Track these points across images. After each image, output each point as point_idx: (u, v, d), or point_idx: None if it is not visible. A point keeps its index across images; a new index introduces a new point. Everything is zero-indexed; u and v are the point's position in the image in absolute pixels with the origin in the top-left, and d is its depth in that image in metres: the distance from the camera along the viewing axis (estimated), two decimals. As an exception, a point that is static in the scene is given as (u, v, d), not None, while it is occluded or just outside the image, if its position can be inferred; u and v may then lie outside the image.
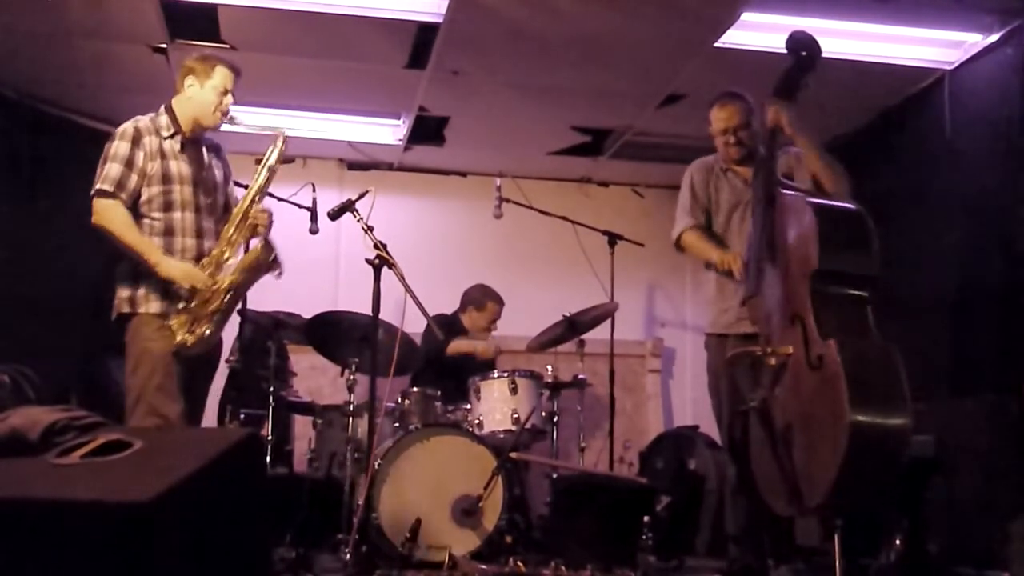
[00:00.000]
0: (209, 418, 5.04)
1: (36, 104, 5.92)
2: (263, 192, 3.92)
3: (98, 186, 3.70)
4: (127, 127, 3.79)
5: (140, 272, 3.72)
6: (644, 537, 4.38)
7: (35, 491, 2.12)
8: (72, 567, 1.99)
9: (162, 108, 3.90)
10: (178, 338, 3.69)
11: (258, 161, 3.99)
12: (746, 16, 4.87)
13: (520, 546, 4.59)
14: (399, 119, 6.46)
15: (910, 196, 5.38)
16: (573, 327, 5.56)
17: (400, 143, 6.66)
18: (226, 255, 3.83)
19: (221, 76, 3.87)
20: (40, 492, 2.12)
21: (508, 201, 5.86)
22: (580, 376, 5.54)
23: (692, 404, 7.26)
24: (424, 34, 5.14)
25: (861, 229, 3.54)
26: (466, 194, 7.23)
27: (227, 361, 5.19)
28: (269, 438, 4.91)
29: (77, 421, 2.55)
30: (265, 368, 5.11)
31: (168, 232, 3.77)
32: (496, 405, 4.96)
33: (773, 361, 3.54)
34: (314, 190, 5.09)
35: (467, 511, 4.40)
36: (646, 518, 4.43)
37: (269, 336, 5.19)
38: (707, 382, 4.36)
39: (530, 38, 5.14)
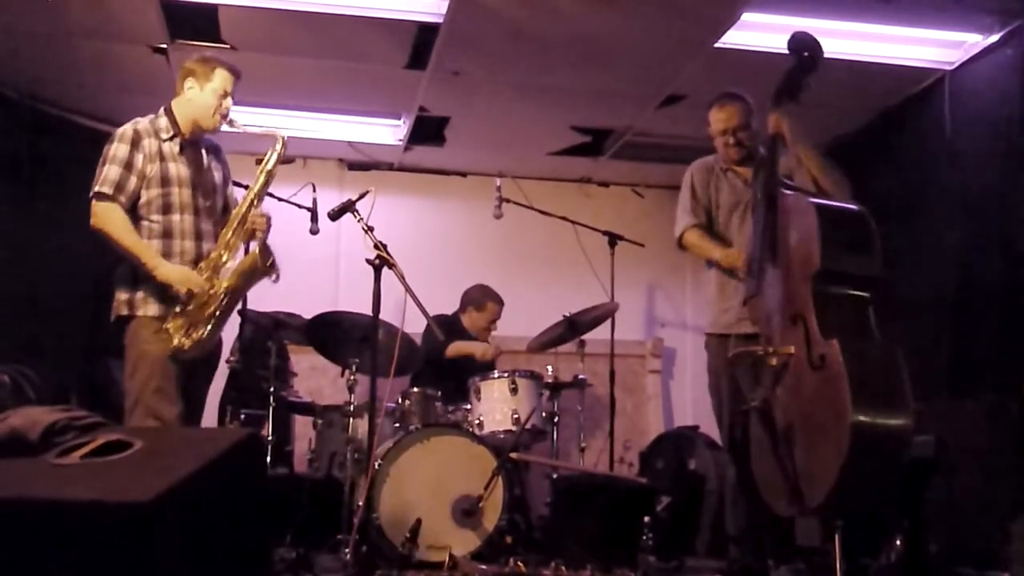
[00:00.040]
0: (209, 418, 5.04)
1: (36, 104, 5.92)
2: (261, 196, 3.92)
3: (96, 188, 3.70)
4: (126, 129, 3.79)
5: (138, 275, 3.72)
6: (644, 537, 4.38)
7: (35, 491, 2.13)
8: (72, 567, 1.99)
9: (161, 110, 3.90)
10: (175, 342, 3.69)
11: (258, 161, 3.99)
12: (746, 16, 4.87)
13: (520, 546, 4.59)
14: (399, 119, 6.46)
15: (910, 196, 5.38)
16: (573, 327, 5.56)
17: (400, 143, 6.66)
18: (224, 258, 3.83)
19: (221, 79, 3.87)
20: (40, 492, 2.12)
21: (508, 201, 5.86)
22: (580, 376, 5.55)
23: (692, 404, 7.26)
24: (424, 34, 5.15)
25: (864, 230, 3.55)
26: (466, 194, 7.22)
27: (227, 361, 5.19)
28: (269, 438, 4.91)
29: (77, 421, 2.55)
30: (265, 368, 5.11)
31: (167, 235, 3.77)
32: (496, 405, 4.96)
33: (774, 361, 3.53)
34: (314, 190, 5.09)
35: (467, 511, 4.40)
36: (646, 518, 4.43)
37: (269, 336, 5.19)
38: (707, 382, 4.36)
39: (530, 38, 5.14)
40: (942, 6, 4.82)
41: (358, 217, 4.12)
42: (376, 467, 4.32)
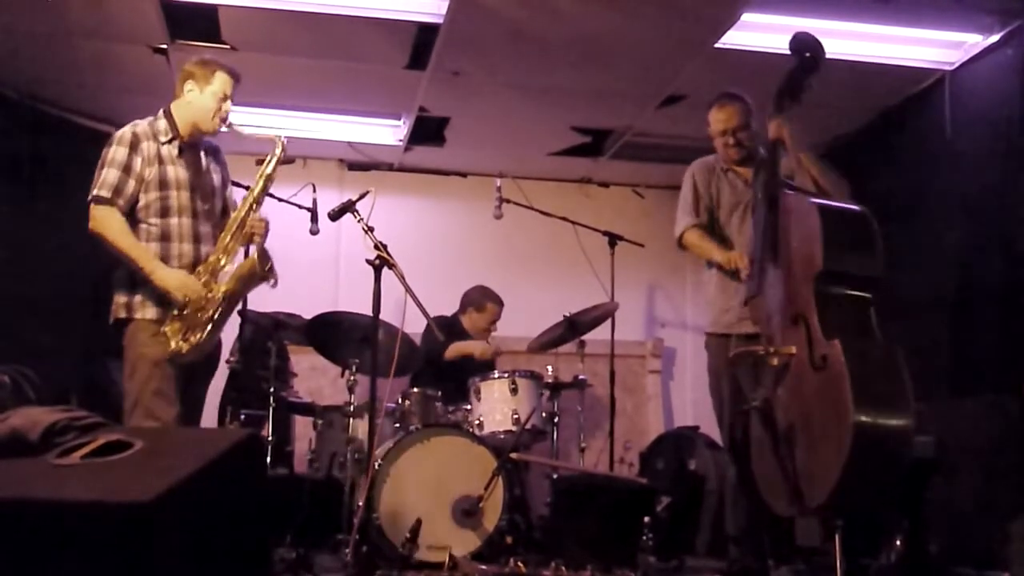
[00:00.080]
0: (209, 419, 5.05)
1: (36, 104, 5.92)
2: (260, 200, 3.92)
3: (95, 192, 3.70)
4: (125, 132, 3.79)
5: (136, 278, 3.72)
6: (644, 537, 4.38)
7: (35, 491, 2.13)
8: (72, 567, 1.99)
9: (160, 112, 3.90)
10: (172, 345, 3.70)
11: (258, 162, 4.00)
12: (746, 17, 4.87)
13: (520, 547, 4.59)
14: (399, 119, 6.46)
15: (910, 196, 5.38)
16: (573, 327, 5.56)
17: (400, 143, 6.66)
18: (222, 262, 3.83)
19: (221, 82, 3.87)
20: (40, 492, 2.12)
21: (508, 201, 5.86)
22: (580, 376, 5.55)
23: (692, 405, 7.26)
24: (424, 35, 5.15)
25: (866, 230, 3.55)
26: (466, 195, 7.22)
27: (227, 362, 5.19)
28: (269, 439, 4.91)
29: (77, 422, 2.55)
30: (265, 369, 5.11)
31: (165, 238, 3.77)
32: (496, 405, 4.96)
33: (776, 361, 3.53)
34: (314, 191, 5.09)
35: (467, 511, 4.40)
36: (646, 518, 4.43)
37: (269, 337, 5.19)
38: (708, 383, 4.36)
39: (530, 39, 5.14)
40: (942, 6, 4.82)
41: (358, 217, 4.12)
42: (376, 467, 4.32)
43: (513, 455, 4.66)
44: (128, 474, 2.21)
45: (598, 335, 5.76)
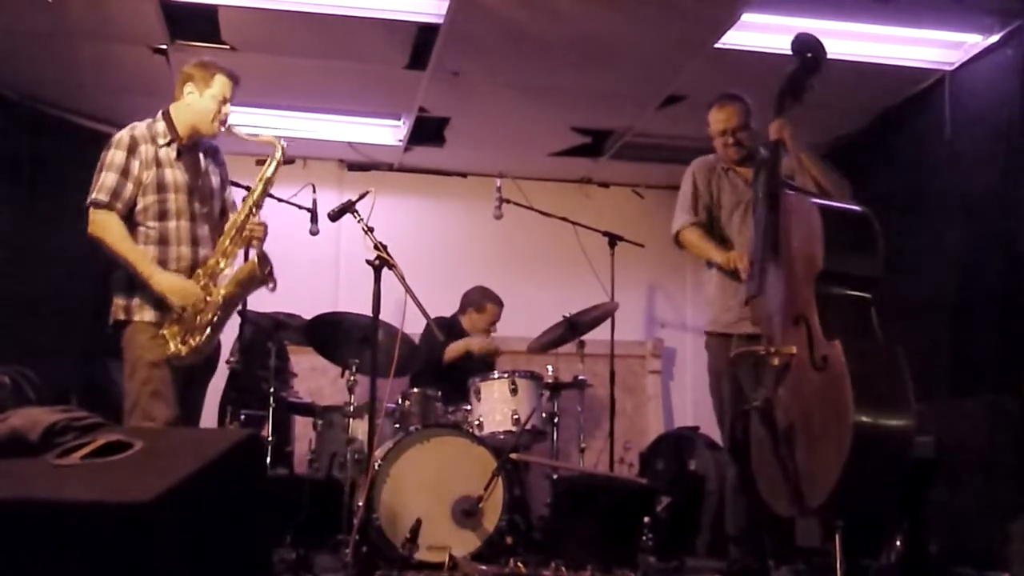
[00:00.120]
0: (209, 419, 5.05)
1: (36, 105, 5.93)
2: (260, 204, 3.92)
3: (93, 196, 3.71)
4: (123, 135, 3.79)
5: (135, 281, 3.73)
6: (644, 538, 4.38)
7: (35, 492, 2.12)
8: (72, 568, 1.99)
9: (159, 114, 3.89)
10: (171, 348, 3.70)
11: (258, 162, 4.00)
12: (746, 17, 4.87)
13: (520, 547, 4.59)
14: (399, 120, 6.46)
15: (910, 196, 5.38)
16: (573, 328, 5.56)
17: (400, 144, 6.66)
18: (221, 265, 3.83)
19: (220, 85, 3.87)
20: (40, 493, 2.12)
21: (508, 202, 5.86)
22: (580, 377, 5.55)
23: (692, 405, 7.26)
24: (424, 35, 5.15)
25: (867, 231, 3.55)
26: (466, 195, 7.22)
27: (227, 362, 5.19)
28: (269, 439, 4.90)
29: (77, 422, 2.55)
30: (265, 369, 5.11)
31: (163, 241, 3.78)
32: (496, 406, 4.96)
33: (776, 361, 3.53)
34: (314, 191, 5.10)
35: (467, 512, 4.40)
36: (646, 519, 4.42)
37: (269, 337, 5.19)
38: (708, 383, 4.36)
39: (530, 39, 5.14)
40: (942, 7, 4.82)
41: (358, 218, 4.12)
42: (376, 468, 4.32)
43: (513, 455, 4.66)
44: (128, 474, 2.21)
45: (598, 335, 5.76)
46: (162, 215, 3.78)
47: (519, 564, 4.22)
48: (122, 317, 3.75)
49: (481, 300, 6.09)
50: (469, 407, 5.07)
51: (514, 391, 4.96)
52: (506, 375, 5.03)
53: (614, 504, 4.60)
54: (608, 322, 5.72)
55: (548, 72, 5.56)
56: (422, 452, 4.49)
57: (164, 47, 5.28)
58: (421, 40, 5.21)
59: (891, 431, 3.25)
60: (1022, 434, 4.20)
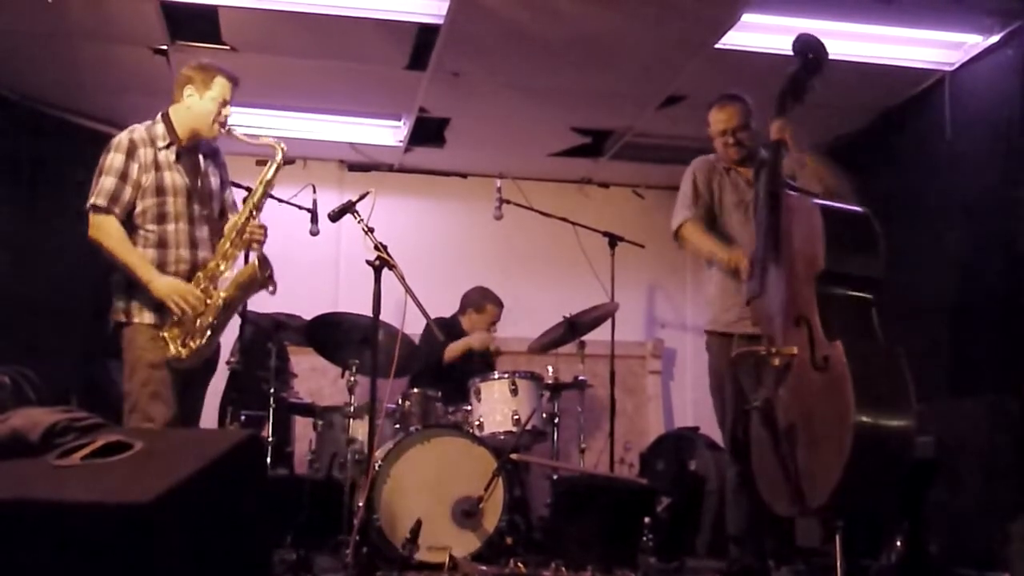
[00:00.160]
0: (210, 419, 5.05)
1: (36, 105, 5.93)
2: (260, 207, 3.92)
3: (92, 200, 3.71)
4: (122, 139, 3.79)
5: (134, 283, 3.73)
6: (645, 538, 4.38)
7: (36, 492, 2.13)
8: (72, 568, 1.99)
9: (159, 116, 3.89)
10: (171, 351, 3.71)
11: (259, 163, 4.00)
12: (746, 17, 4.87)
13: (520, 547, 4.59)
14: (399, 120, 6.46)
15: (910, 197, 5.38)
16: (573, 328, 5.56)
17: (400, 144, 6.66)
18: (222, 268, 3.84)
19: (220, 87, 3.87)
20: (41, 493, 2.12)
21: (508, 202, 5.86)
22: (580, 377, 5.55)
23: (692, 405, 7.26)
24: (424, 35, 5.14)
25: (868, 232, 3.55)
26: (466, 195, 7.22)
27: (228, 363, 5.20)
28: (270, 439, 4.91)
29: (77, 422, 2.55)
30: (266, 370, 5.11)
31: (162, 244, 3.78)
32: (496, 406, 4.97)
33: (777, 361, 3.53)
34: (314, 191, 5.10)
35: (468, 512, 4.40)
36: (647, 519, 4.43)
37: (269, 338, 5.19)
38: (709, 383, 4.35)
39: (530, 39, 5.14)
40: (942, 7, 4.82)
41: (358, 218, 4.12)
42: (376, 468, 4.32)
43: (513, 456, 4.66)
44: (128, 475, 2.21)
45: (598, 336, 5.76)
46: (161, 218, 3.78)
47: (519, 564, 4.22)
48: (122, 319, 3.76)
49: (481, 300, 6.10)
50: (469, 407, 5.07)
51: (514, 391, 4.96)
52: (506, 375, 5.03)
53: (614, 504, 4.60)
54: (608, 322, 5.72)
55: (548, 72, 5.56)
56: (422, 452, 4.49)
57: (164, 47, 5.28)
58: (421, 40, 5.21)
59: (892, 432, 3.25)
60: (1022, 434, 4.20)
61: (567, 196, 7.23)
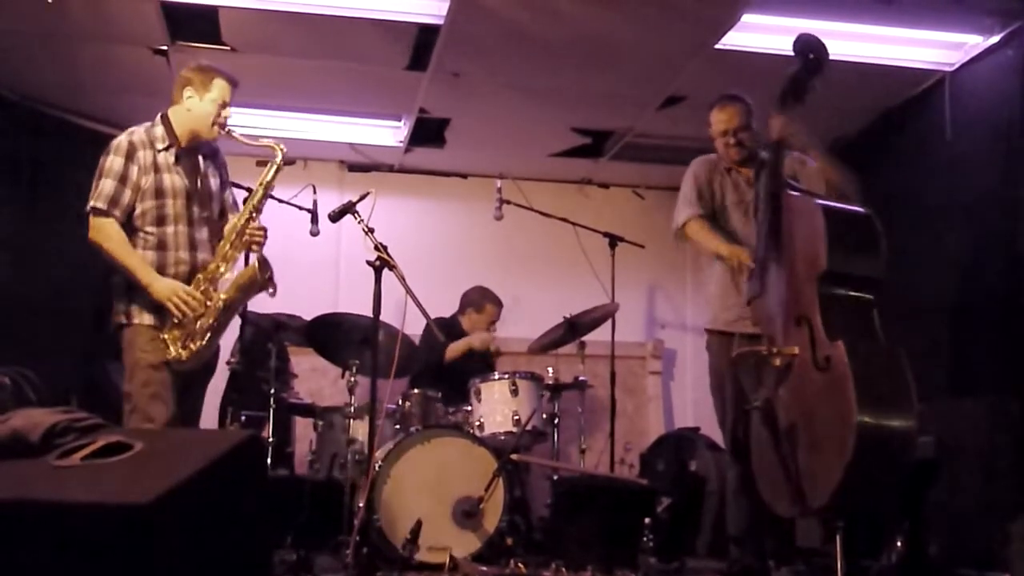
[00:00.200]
0: (210, 420, 5.05)
1: (36, 105, 5.93)
2: (260, 209, 3.92)
3: (92, 203, 3.71)
4: (121, 141, 3.79)
5: (134, 285, 3.73)
6: (645, 539, 4.38)
7: (36, 493, 2.13)
8: (72, 568, 1.99)
9: (158, 118, 3.89)
10: (172, 353, 3.71)
11: (259, 163, 4.00)
12: (746, 18, 4.87)
13: (521, 548, 4.60)
14: (400, 121, 6.46)
15: (910, 197, 5.38)
16: (574, 329, 5.56)
17: (401, 145, 6.66)
18: (222, 270, 3.83)
19: (219, 89, 3.87)
20: (41, 494, 2.12)
21: (509, 203, 5.86)
22: (581, 378, 5.55)
23: (693, 406, 7.25)
24: (425, 36, 5.15)
25: (870, 232, 3.56)
26: (467, 196, 7.22)
27: (228, 363, 5.20)
28: (270, 440, 4.90)
29: (78, 423, 2.55)
30: (266, 370, 5.11)
31: (161, 247, 3.78)
32: (497, 407, 4.97)
33: (778, 361, 3.53)
34: (315, 192, 5.11)
35: (468, 513, 4.40)
36: (647, 520, 4.42)
37: (270, 338, 5.19)
38: (709, 383, 4.35)
39: (531, 40, 5.14)
40: (942, 7, 4.82)
41: (358, 219, 4.12)
42: (377, 468, 4.32)
43: (513, 456, 4.66)
44: (128, 476, 2.21)
45: (598, 336, 5.76)
46: (160, 220, 3.78)
47: (519, 565, 4.22)
48: (122, 321, 3.76)
49: (480, 300, 6.10)
50: (470, 408, 5.08)
51: (515, 392, 4.96)
52: (507, 376, 5.03)
53: (615, 505, 4.60)
54: (608, 323, 5.72)
55: (548, 73, 5.56)
56: (423, 453, 4.49)
57: (164, 48, 5.28)
58: (421, 41, 5.21)
59: (894, 432, 3.26)
60: (1022, 434, 4.20)
61: (567, 196, 7.23)
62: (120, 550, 1.98)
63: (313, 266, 6.50)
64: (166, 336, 3.72)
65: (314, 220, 5.14)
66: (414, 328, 4.71)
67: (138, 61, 5.41)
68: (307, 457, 5.33)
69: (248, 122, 5.73)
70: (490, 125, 6.43)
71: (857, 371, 3.24)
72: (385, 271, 4.10)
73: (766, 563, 4.15)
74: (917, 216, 5.28)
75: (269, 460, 4.74)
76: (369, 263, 4.12)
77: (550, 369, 5.38)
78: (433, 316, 4.42)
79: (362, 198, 4.15)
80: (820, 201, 3.63)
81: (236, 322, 4.51)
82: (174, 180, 3.82)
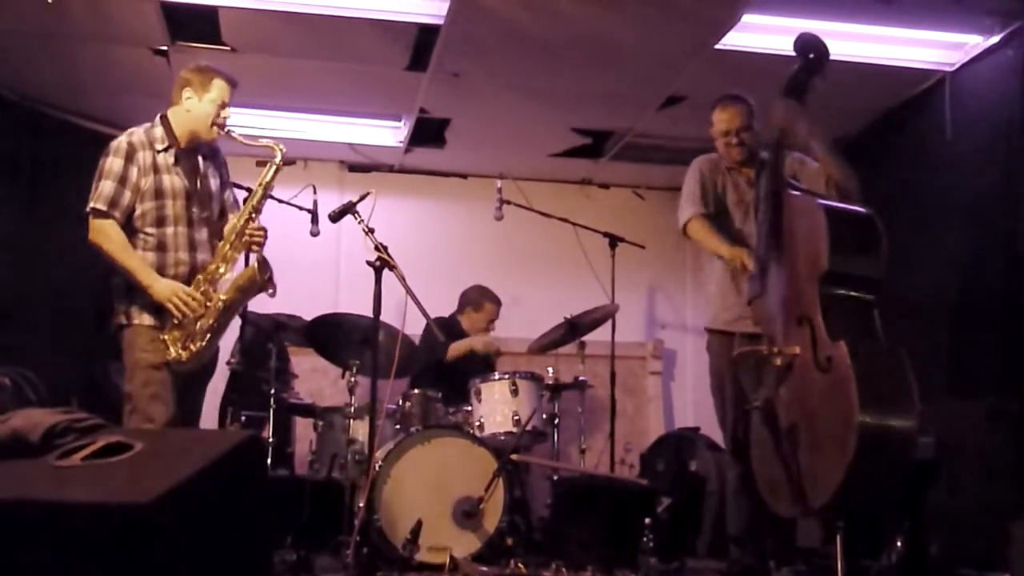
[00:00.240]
0: (210, 420, 5.05)
1: (36, 106, 5.93)
2: (259, 209, 3.92)
3: (92, 204, 3.71)
4: (121, 142, 3.79)
5: (134, 286, 3.74)
6: (645, 539, 4.38)
7: (36, 493, 2.13)
8: (73, 568, 1.99)
9: (157, 119, 3.89)
10: (172, 354, 3.71)
11: (258, 163, 4.00)
12: (747, 18, 4.87)
13: (521, 548, 4.59)
14: (400, 121, 6.47)
15: (910, 197, 5.38)
16: (574, 329, 5.56)
17: (401, 145, 6.66)
18: (221, 271, 3.84)
19: (219, 90, 3.87)
20: (41, 494, 2.12)
21: (509, 203, 5.86)
22: (581, 378, 5.55)
23: (693, 406, 7.26)
24: (425, 36, 5.15)
25: (871, 232, 3.56)
26: (467, 196, 7.22)
27: (228, 363, 5.20)
28: (270, 440, 4.90)
29: (78, 423, 2.55)
30: (266, 370, 5.11)
31: (161, 248, 3.78)
32: (497, 407, 4.97)
33: (779, 361, 3.53)
34: (315, 192, 5.10)
35: (468, 513, 4.40)
36: (647, 520, 4.42)
37: (270, 338, 5.19)
38: (709, 383, 4.35)
39: (531, 40, 5.14)
40: (942, 7, 4.82)
41: (359, 219, 4.12)
42: (377, 469, 4.32)
43: (514, 456, 4.66)
44: (128, 476, 2.21)
45: (598, 336, 5.76)
46: (160, 221, 3.78)
47: (520, 565, 4.22)
48: (122, 321, 3.77)
49: (479, 299, 6.10)
50: (470, 408, 5.08)
51: (515, 392, 4.96)
52: (507, 376, 5.03)
53: (615, 505, 4.60)
54: (608, 323, 5.71)
55: (548, 73, 5.56)
56: (423, 453, 4.49)
57: (164, 48, 5.28)
58: (421, 41, 5.21)
59: (895, 432, 3.26)
60: (1022, 435, 4.20)
61: (567, 197, 7.23)
62: (120, 550, 1.98)
63: (313, 266, 6.50)
64: (166, 337, 3.72)
65: (314, 220, 5.14)
66: (414, 328, 4.71)
67: (138, 61, 5.41)
68: (307, 457, 5.33)
69: (248, 122, 5.73)
70: (490, 125, 6.43)
71: (859, 371, 3.23)
72: (385, 271, 4.10)
73: (766, 563, 4.15)
74: (917, 216, 5.28)
75: (269, 460, 4.74)
76: (369, 263, 4.12)
77: (550, 369, 5.37)
78: (433, 316, 4.42)
79: (362, 198, 4.15)
80: (822, 201, 3.63)
81: (236, 322, 4.51)
82: (173, 181, 3.82)
